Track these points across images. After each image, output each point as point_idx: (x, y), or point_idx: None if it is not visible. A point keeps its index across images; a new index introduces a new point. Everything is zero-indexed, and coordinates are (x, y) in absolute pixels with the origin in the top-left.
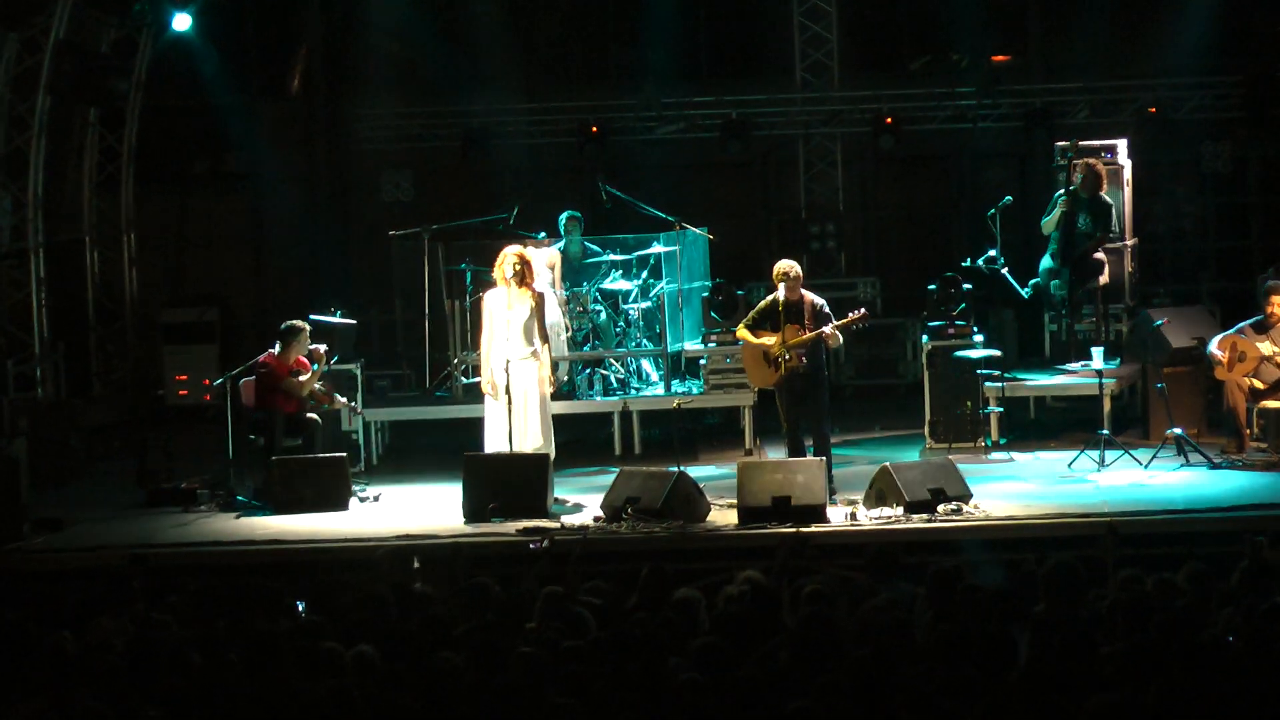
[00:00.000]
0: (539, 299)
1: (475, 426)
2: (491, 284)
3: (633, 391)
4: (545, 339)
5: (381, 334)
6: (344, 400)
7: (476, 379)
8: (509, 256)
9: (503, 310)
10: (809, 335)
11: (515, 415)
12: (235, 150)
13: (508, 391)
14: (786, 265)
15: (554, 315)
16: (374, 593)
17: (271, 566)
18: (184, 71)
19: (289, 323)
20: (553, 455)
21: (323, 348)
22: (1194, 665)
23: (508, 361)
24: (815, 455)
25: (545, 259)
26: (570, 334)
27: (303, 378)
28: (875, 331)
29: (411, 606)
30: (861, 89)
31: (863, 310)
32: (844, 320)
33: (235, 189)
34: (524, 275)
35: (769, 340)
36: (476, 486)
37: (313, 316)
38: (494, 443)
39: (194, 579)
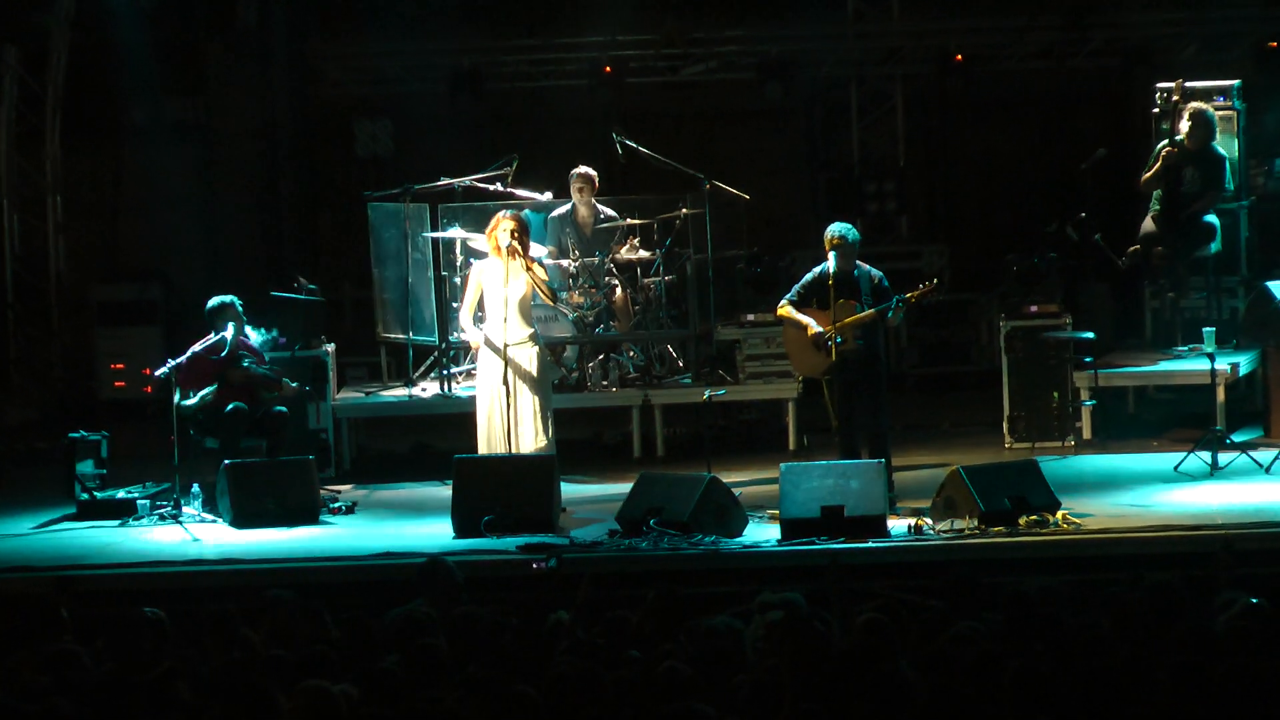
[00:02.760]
0: (539, 272)
1: (467, 424)
2: (483, 254)
3: (654, 382)
4: (554, 299)
5: (356, 313)
6: (294, 386)
7: (469, 366)
8: (502, 222)
9: (497, 286)
10: (869, 313)
11: (513, 409)
12: (181, 97)
13: (505, 382)
14: (841, 230)
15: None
16: (355, 620)
17: (226, 591)
18: (120, 3)
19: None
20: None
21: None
22: None
23: (505, 346)
24: (871, 457)
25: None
26: (579, 314)
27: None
28: (944, 310)
29: (404, 636)
30: (926, 21)
31: (934, 281)
32: (915, 292)
33: (181, 142)
34: (522, 243)
35: (817, 320)
36: (469, 495)
37: (275, 293)
38: (487, 442)
39: (133, 606)
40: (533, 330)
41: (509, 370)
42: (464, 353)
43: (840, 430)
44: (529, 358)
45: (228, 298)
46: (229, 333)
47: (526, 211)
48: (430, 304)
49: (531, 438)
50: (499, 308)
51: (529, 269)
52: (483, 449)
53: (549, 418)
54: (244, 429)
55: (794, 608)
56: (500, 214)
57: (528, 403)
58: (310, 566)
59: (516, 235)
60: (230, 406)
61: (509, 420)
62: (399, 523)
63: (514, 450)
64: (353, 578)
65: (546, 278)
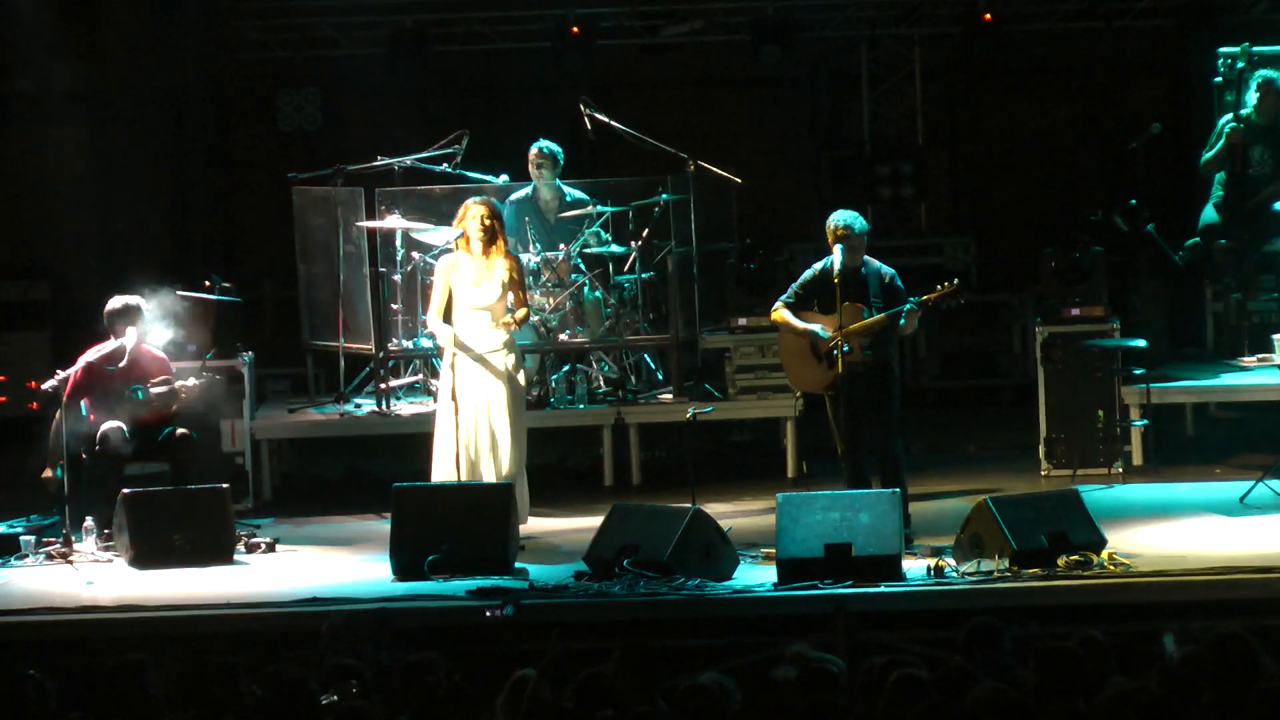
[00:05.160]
0: (516, 269)
1: (408, 446)
2: (427, 247)
3: (629, 397)
4: (525, 314)
5: (278, 316)
6: (194, 384)
7: (412, 378)
8: (472, 209)
9: (467, 286)
10: (879, 318)
11: (479, 430)
12: (71, 61)
13: (453, 398)
14: (846, 219)
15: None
16: (276, 676)
17: (125, 641)
18: None
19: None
20: (525, 483)
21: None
22: None
23: (454, 356)
24: (883, 486)
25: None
26: (541, 317)
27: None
28: (970, 314)
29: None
30: None
31: (955, 281)
32: (930, 295)
33: (71, 116)
34: (495, 235)
35: (818, 325)
36: (411, 530)
37: (182, 292)
38: (444, 468)
39: (15, 660)
40: (508, 336)
41: (478, 384)
42: (405, 364)
43: (846, 455)
44: (503, 368)
45: (131, 299)
46: (129, 340)
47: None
48: (366, 305)
49: (499, 464)
50: (466, 312)
51: (510, 269)
52: (439, 476)
53: (524, 439)
54: (126, 450)
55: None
56: (471, 200)
57: (502, 421)
58: (223, 614)
59: (490, 221)
60: (103, 428)
61: (476, 442)
62: (328, 563)
63: (482, 477)
64: (273, 627)
65: (521, 297)
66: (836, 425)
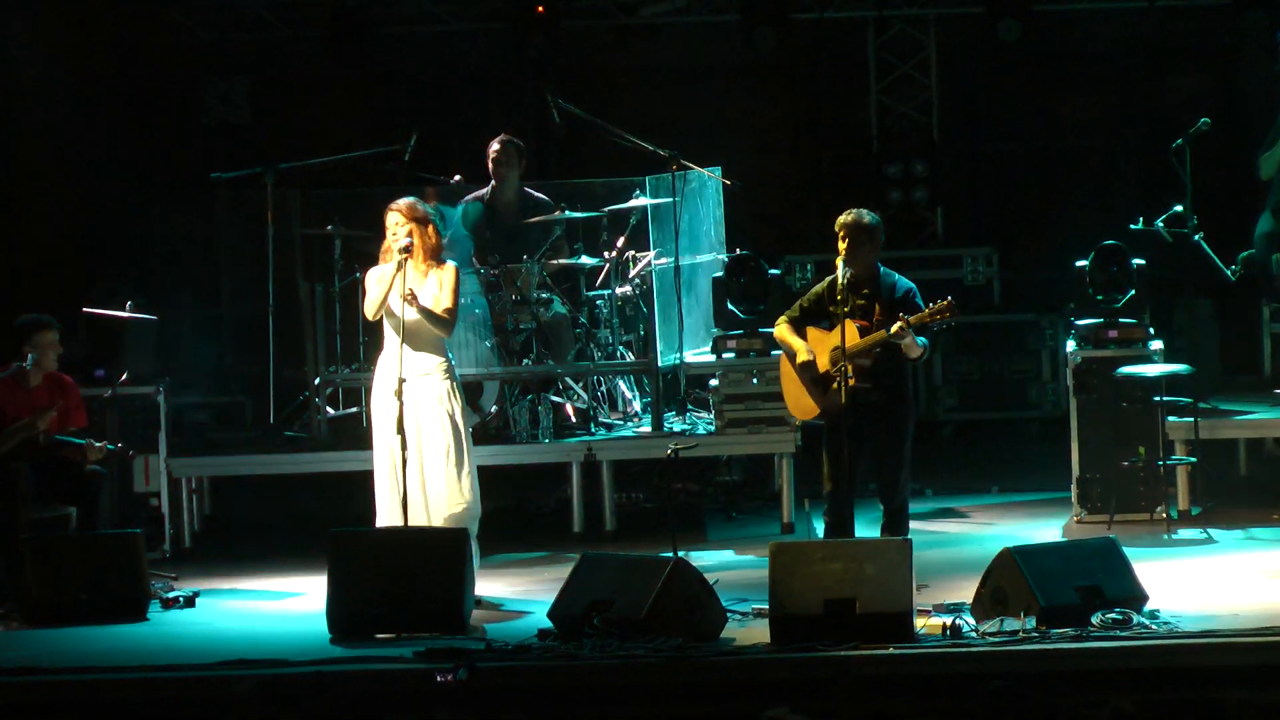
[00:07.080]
0: (451, 280)
1: (348, 486)
2: (369, 258)
3: (602, 431)
4: (448, 324)
5: (199, 336)
6: (100, 447)
7: (353, 409)
8: (389, 216)
9: (395, 301)
10: (872, 338)
11: (414, 466)
12: None
13: (400, 430)
14: (854, 215)
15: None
16: None
17: (22, 709)
18: None
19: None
20: (475, 530)
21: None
22: None
23: (401, 382)
24: (889, 535)
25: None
26: (501, 338)
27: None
28: (992, 335)
29: None
30: None
31: (949, 299)
32: (918, 315)
33: None
34: (425, 245)
35: (804, 345)
36: (351, 583)
37: (89, 309)
38: (387, 511)
39: None
40: (444, 360)
41: (408, 412)
42: (344, 392)
43: (829, 496)
44: (438, 395)
45: (43, 316)
46: (28, 364)
47: (438, 204)
48: (300, 325)
49: (445, 500)
50: (394, 331)
51: (451, 274)
52: (384, 520)
53: (471, 473)
54: (28, 492)
55: None
56: (394, 205)
57: (439, 454)
58: (135, 678)
59: (415, 232)
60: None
61: (405, 483)
62: (255, 620)
63: (426, 519)
64: (190, 694)
65: (448, 300)
66: (826, 460)
